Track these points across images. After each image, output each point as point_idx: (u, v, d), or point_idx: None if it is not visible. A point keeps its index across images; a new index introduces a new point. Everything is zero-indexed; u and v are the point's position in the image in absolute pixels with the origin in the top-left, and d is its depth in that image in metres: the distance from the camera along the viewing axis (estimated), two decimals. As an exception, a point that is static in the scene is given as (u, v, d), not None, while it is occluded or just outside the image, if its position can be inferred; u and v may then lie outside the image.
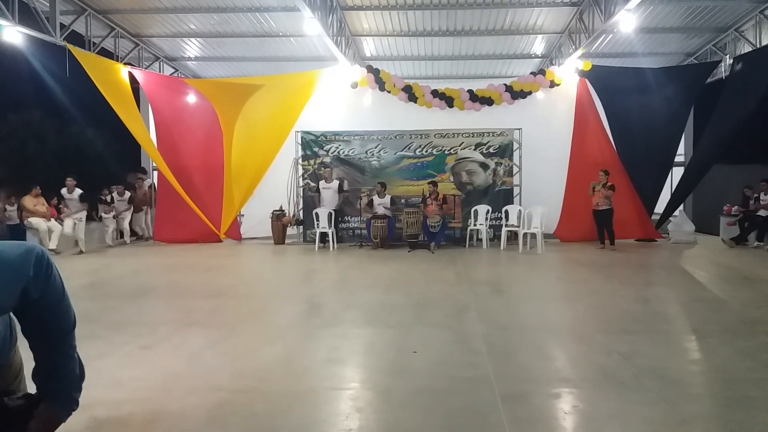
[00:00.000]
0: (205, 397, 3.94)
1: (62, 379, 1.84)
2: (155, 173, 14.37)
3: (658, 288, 8.28)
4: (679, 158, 14.30)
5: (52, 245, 11.70)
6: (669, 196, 13.65)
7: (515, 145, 13.23)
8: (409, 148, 13.24)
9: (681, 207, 13.77)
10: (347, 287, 8.25)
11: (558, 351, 5.14)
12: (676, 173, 14.18)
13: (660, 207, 13.55)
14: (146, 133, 13.30)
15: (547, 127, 13.35)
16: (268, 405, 3.83)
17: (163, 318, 6.32)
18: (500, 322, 6.02)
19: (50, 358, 1.82)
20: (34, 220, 11.67)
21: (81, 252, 11.99)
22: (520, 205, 12.81)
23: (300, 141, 13.41)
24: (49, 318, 1.81)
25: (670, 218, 13.61)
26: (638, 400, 3.87)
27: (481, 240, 12.52)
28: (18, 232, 12.10)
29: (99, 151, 16.91)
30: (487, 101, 13.55)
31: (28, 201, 11.87)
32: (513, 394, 4.00)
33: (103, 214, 14.73)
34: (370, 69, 13.73)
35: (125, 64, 13.18)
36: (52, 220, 12.09)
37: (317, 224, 12.35)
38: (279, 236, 13.18)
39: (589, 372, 4.52)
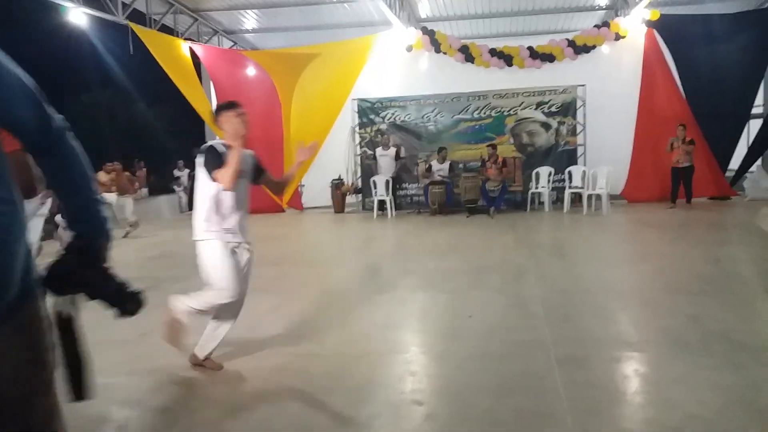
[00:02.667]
0: (264, 360, 4.06)
1: (94, 214, 1.64)
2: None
3: (731, 248, 7.87)
4: (756, 110, 13.42)
5: (132, 218, 12.20)
6: (746, 151, 12.88)
7: (579, 103, 12.76)
8: (466, 111, 12.99)
9: (759, 162, 12.97)
10: (404, 253, 8.27)
11: (621, 314, 4.99)
12: (754, 126, 13.31)
13: (736, 162, 12.82)
14: (209, 106, 13.60)
15: (612, 82, 12.78)
16: (325, 367, 3.91)
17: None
18: (560, 286, 5.89)
19: (81, 199, 1.64)
20: (108, 196, 12.20)
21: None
22: (585, 165, 12.39)
23: (356, 109, 13.40)
24: (74, 158, 1.63)
25: (746, 174, 12.85)
26: (705, 364, 3.71)
27: (543, 203, 12.24)
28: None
29: (165, 127, 17.49)
30: (549, 58, 13.08)
31: (102, 176, 12.41)
32: (570, 357, 3.91)
33: (175, 187, 15.43)
34: (425, 31, 13.48)
35: (185, 39, 13.46)
36: (125, 195, 12.60)
37: (375, 192, 12.37)
38: (339, 205, 13.32)
39: (653, 335, 4.37)
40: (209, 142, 3.87)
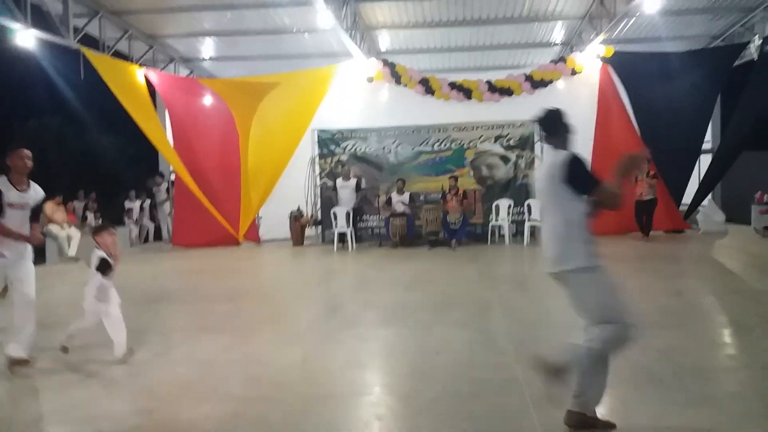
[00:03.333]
0: (217, 406, 3.73)
1: None
2: (173, 176, 14.28)
3: (691, 280, 7.92)
4: (706, 145, 13.83)
5: (71, 252, 11.64)
6: (697, 185, 13.19)
7: (536, 137, 12.86)
8: (426, 143, 12.96)
9: (710, 196, 13.30)
10: (366, 287, 8.02)
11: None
12: (704, 161, 13.70)
13: (688, 197, 13.10)
14: (163, 135, 13.20)
15: (569, 116, 12.92)
16: (284, 413, 3.61)
17: (178, 324, 6.16)
18: (527, 320, 5.74)
19: None
20: (54, 228, 11.62)
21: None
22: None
23: (317, 139, 13.22)
24: None
25: (699, 208, 13.15)
26: (681, 401, 3.58)
27: (503, 236, 12.19)
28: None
29: (117, 156, 16.89)
30: (507, 92, 13.21)
31: (48, 207, 11.82)
32: (546, 396, 3.73)
33: (126, 219, 14.86)
34: (385, 62, 13.48)
35: (140, 65, 13.10)
36: (72, 226, 12.04)
37: (335, 224, 12.12)
38: (298, 237, 12.99)
39: (625, 371, 4.22)
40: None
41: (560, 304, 6.40)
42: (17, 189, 4.55)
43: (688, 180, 13.03)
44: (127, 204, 14.95)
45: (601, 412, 3.29)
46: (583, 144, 12.39)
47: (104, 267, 4.64)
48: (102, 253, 4.66)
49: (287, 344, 5.14)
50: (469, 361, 4.52)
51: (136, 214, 14.95)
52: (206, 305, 7.04)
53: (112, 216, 15.12)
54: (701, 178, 13.33)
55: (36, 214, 4.76)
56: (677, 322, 5.50)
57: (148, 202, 14.95)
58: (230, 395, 3.93)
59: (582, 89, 13.26)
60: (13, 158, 4.54)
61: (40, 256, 11.73)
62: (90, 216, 14.54)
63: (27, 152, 4.59)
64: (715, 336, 5.27)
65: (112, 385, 4.18)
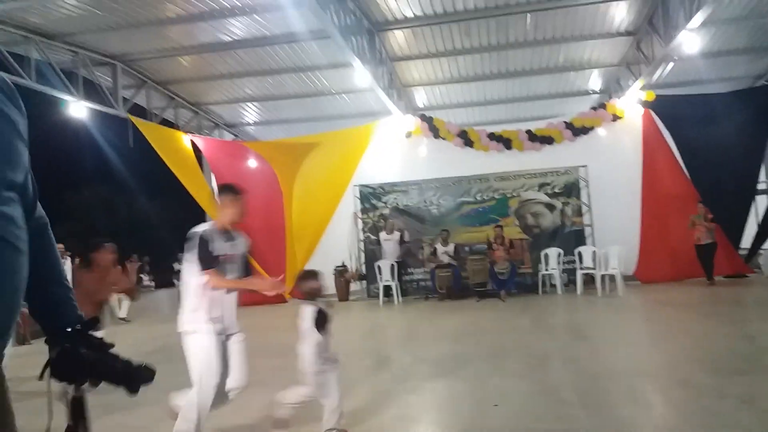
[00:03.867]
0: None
1: (75, 303, 1.60)
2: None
3: (762, 324, 7.42)
4: (762, 186, 13.32)
5: (122, 314, 11.80)
6: (756, 228, 12.62)
7: (582, 183, 12.64)
8: (468, 194, 12.86)
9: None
10: (414, 340, 7.79)
11: (659, 397, 4.50)
12: (761, 203, 13.14)
13: (747, 240, 12.52)
14: (211, 196, 13.46)
15: (613, 162, 12.71)
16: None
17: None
18: (589, 370, 5.41)
19: (64, 288, 1.60)
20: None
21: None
22: (594, 246, 12.08)
23: (358, 195, 13.28)
24: (55, 249, 1.61)
25: (761, 251, 12.53)
26: None
27: (554, 285, 11.80)
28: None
29: (166, 220, 17.32)
30: (547, 140, 13.11)
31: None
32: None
33: (175, 281, 15.13)
34: (423, 117, 13.61)
35: (186, 132, 13.55)
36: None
37: (380, 278, 11.98)
38: (343, 292, 12.88)
39: (704, 420, 3.88)
40: (197, 229, 3.63)
41: (621, 353, 6.08)
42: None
43: (745, 222, 12.47)
44: (177, 266, 15.20)
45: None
46: (630, 188, 12.24)
47: (321, 321, 3.97)
48: (314, 306, 4.00)
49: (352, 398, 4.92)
50: (530, 412, 4.24)
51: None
52: (260, 360, 6.90)
53: (165, 278, 15.41)
54: (760, 220, 12.75)
55: None
56: (754, 367, 5.10)
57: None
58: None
59: (624, 135, 13.07)
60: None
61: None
62: (145, 278, 14.94)
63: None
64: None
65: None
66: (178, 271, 15.14)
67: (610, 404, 4.32)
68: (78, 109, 10.42)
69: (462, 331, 8.09)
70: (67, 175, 18.85)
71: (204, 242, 3.55)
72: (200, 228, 3.66)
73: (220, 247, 3.64)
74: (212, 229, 3.69)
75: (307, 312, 3.93)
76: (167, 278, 15.26)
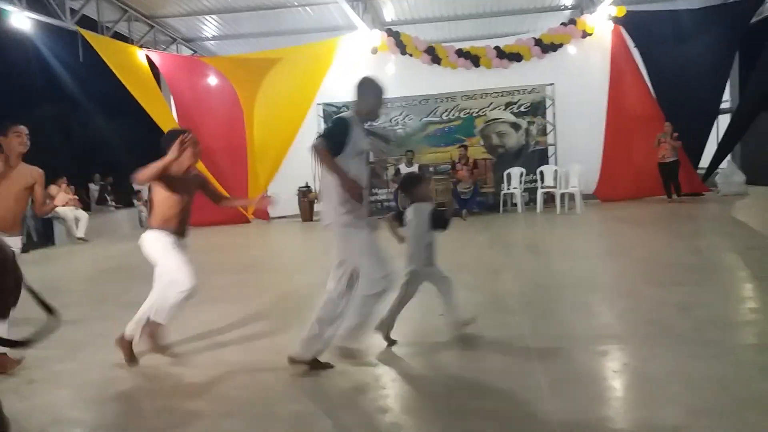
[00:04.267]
0: (223, 372, 3.58)
1: None
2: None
3: (711, 238, 7.62)
4: (725, 105, 13.36)
5: (80, 233, 11.61)
6: (715, 147, 12.76)
7: (548, 102, 12.53)
8: (435, 113, 12.67)
9: (729, 157, 12.86)
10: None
11: (603, 307, 4.62)
12: (723, 122, 13.23)
13: (706, 159, 12.69)
14: (170, 115, 13.02)
15: (581, 81, 12.55)
16: (277, 379, 3.43)
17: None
18: (537, 281, 5.51)
19: None
20: (61, 209, 11.56)
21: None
22: (556, 165, 12.12)
23: (322, 114, 12.98)
24: None
25: (718, 170, 12.73)
26: (700, 354, 3.34)
27: (515, 205, 11.91)
28: (46, 221, 12.05)
29: (122, 139, 16.77)
30: (516, 57, 12.82)
31: (54, 190, 11.78)
32: (551, 352, 3.52)
33: (135, 201, 14.92)
34: (390, 32, 13.15)
35: (141, 47, 12.92)
36: (79, 209, 12.00)
37: (344, 197, 11.91)
38: (306, 213, 12.83)
39: (640, 327, 4.01)
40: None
41: (571, 266, 6.21)
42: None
43: (706, 141, 12.61)
44: (136, 186, 14.89)
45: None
46: (595, 108, 12.14)
47: (443, 220, 3.99)
48: (429, 205, 4.01)
49: (292, 316, 4.95)
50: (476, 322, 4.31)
51: (145, 194, 14.92)
52: (212, 278, 6.89)
53: (126, 199, 15.15)
54: (720, 139, 12.88)
55: None
56: (697, 278, 5.24)
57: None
58: (224, 360, 3.77)
59: (594, 52, 12.85)
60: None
61: (48, 238, 11.80)
62: (109, 198, 14.72)
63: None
64: (735, 291, 5.01)
65: (95, 355, 4.03)
66: (138, 191, 14.88)
67: (554, 313, 4.42)
68: (21, 20, 9.77)
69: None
70: (14, 93, 17.97)
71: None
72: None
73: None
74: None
75: (419, 212, 3.93)
76: (128, 199, 14.96)
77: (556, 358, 3.44)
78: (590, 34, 12.81)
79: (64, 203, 11.55)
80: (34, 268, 8.21)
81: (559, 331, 3.95)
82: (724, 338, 3.61)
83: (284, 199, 12.95)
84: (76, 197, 12.47)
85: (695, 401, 2.76)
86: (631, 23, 12.53)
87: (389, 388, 3.24)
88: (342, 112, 12.66)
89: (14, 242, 3.71)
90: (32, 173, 3.98)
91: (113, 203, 14.86)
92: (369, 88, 3.57)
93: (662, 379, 3.04)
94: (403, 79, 12.96)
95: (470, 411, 2.83)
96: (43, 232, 12.10)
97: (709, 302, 4.40)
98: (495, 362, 3.47)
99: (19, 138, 3.88)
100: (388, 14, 14.63)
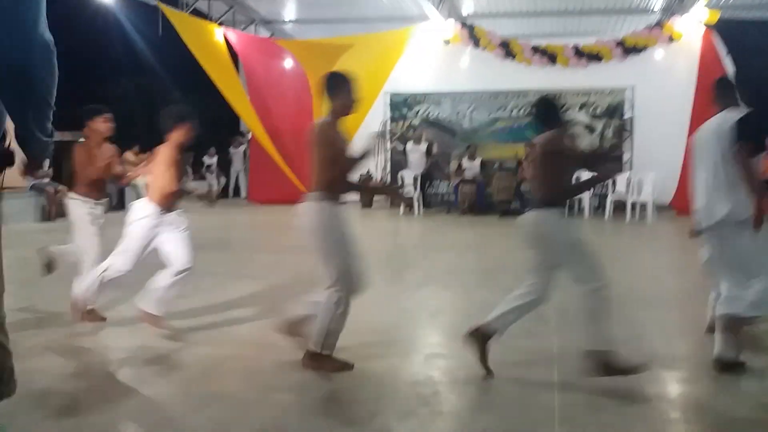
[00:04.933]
0: (213, 350, 3.53)
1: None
2: (249, 135, 14.44)
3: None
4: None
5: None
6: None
7: (626, 106, 11.88)
8: (504, 109, 12.29)
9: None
10: (416, 249, 7.67)
11: (652, 325, 4.26)
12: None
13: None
14: (242, 94, 13.24)
15: (664, 86, 11.82)
16: (272, 361, 3.33)
17: (217, 270, 6.03)
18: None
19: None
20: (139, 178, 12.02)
21: None
22: (630, 171, 11.48)
23: (389, 102, 12.85)
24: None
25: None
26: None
27: (582, 210, 11.38)
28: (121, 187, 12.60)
29: (200, 115, 17.16)
30: (595, 57, 12.24)
31: (129, 156, 12.26)
32: (573, 372, 3.24)
33: (207, 175, 15.45)
34: (464, 24, 12.84)
35: (219, 25, 13.19)
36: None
37: (403, 188, 11.76)
38: (367, 200, 12.77)
39: (696, 351, 3.66)
40: None
41: (631, 278, 5.79)
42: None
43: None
44: (206, 160, 15.31)
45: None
46: (677, 115, 11.38)
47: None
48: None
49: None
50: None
51: (215, 169, 15.35)
52: (254, 255, 6.95)
53: (196, 173, 15.67)
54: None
55: None
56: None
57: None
58: (229, 339, 3.71)
59: (680, 57, 12.09)
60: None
61: (121, 203, 12.33)
62: (190, 170, 15.32)
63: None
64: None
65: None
66: (209, 166, 15.33)
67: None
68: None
69: (468, 244, 7.91)
70: (97, 66, 18.78)
71: None
72: None
73: None
74: None
75: None
76: (198, 172, 15.43)
77: (575, 380, 3.16)
78: (677, 39, 12.02)
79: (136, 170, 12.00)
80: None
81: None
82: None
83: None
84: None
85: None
86: (724, 29, 11.65)
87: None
88: (409, 101, 12.62)
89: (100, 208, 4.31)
90: (110, 150, 4.39)
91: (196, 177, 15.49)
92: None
93: (682, 410, 2.73)
94: (474, 73, 12.69)
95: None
96: (118, 198, 12.69)
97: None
98: (509, 386, 3.22)
99: (105, 124, 4.25)
100: (466, 7, 14.27)
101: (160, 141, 3.90)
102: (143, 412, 2.72)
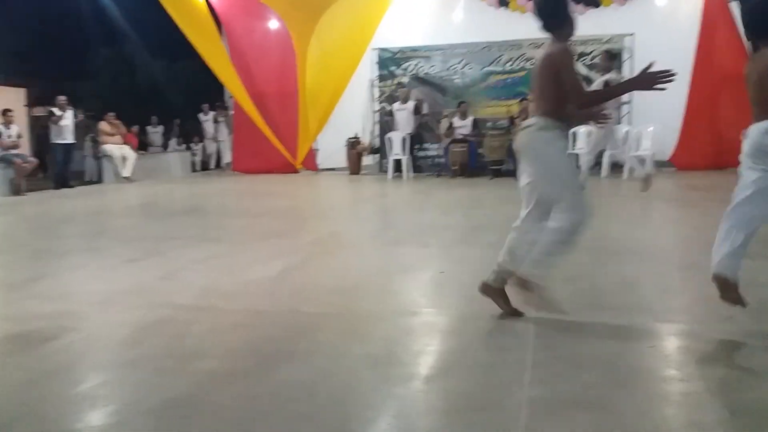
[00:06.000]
0: (145, 314, 3.09)
1: None
2: (232, 101, 13.86)
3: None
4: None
5: (126, 173, 11.56)
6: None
7: (625, 55, 11.24)
8: (498, 63, 11.66)
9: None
10: (399, 209, 7.22)
11: (642, 276, 3.80)
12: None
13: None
14: (226, 59, 12.64)
15: (666, 32, 11.11)
16: (210, 327, 2.90)
17: (181, 234, 5.60)
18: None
19: None
20: (108, 147, 11.55)
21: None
22: (629, 125, 10.92)
23: (377, 59, 12.23)
24: None
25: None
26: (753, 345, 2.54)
27: (580, 167, 10.83)
28: (99, 159, 12.15)
29: (184, 82, 16.64)
30: (593, 3, 11.52)
31: (104, 126, 11.79)
32: (555, 325, 2.79)
33: (193, 146, 14.97)
34: (453, -27, 12.12)
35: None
36: (128, 147, 11.96)
37: (390, 151, 11.24)
38: (354, 165, 12.26)
39: (683, 303, 3.21)
40: None
41: (621, 230, 5.34)
42: None
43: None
44: (202, 117, 14.68)
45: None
46: (680, 65, 10.70)
47: None
48: None
49: (277, 257, 4.41)
50: (474, 281, 3.62)
51: (210, 129, 14.73)
52: (224, 219, 6.50)
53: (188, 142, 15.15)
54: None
55: None
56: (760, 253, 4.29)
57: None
58: (171, 304, 3.27)
59: (683, 4, 11.40)
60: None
61: (98, 177, 11.92)
62: (177, 140, 14.88)
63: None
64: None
65: (58, 287, 3.64)
66: (205, 122, 14.70)
67: (576, 280, 3.65)
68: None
69: (456, 205, 7.44)
70: (74, 33, 17.99)
71: None
72: None
73: None
74: None
75: None
76: (196, 133, 14.86)
77: (554, 332, 2.72)
78: (680, -18, 11.31)
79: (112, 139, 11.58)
80: (66, 201, 8.20)
81: (577, 302, 3.20)
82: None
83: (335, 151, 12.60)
84: (127, 131, 12.49)
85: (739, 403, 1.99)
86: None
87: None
88: (398, 57, 12.02)
89: None
90: None
91: (180, 145, 15.01)
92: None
93: (694, 365, 2.28)
94: (466, 24, 12.02)
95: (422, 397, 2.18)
96: (96, 170, 12.27)
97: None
98: (476, 330, 2.78)
99: None
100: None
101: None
102: (48, 376, 2.30)
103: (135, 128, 12.88)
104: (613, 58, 8.60)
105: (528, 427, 1.85)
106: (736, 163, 8.99)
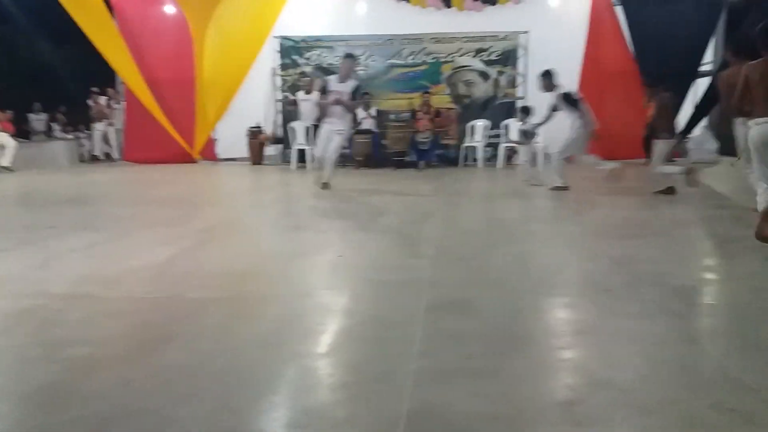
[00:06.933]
0: (12, 303, 2.84)
1: None
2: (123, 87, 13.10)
3: (673, 198, 7.00)
4: (707, 67, 12.64)
5: (5, 162, 10.67)
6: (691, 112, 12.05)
7: (520, 52, 11.69)
8: (400, 56, 11.75)
9: (704, 123, 12.18)
10: (298, 198, 7.11)
11: (531, 257, 3.94)
12: (702, 86, 12.49)
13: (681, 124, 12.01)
14: (118, 40, 11.92)
15: (558, 31, 11.63)
16: (80, 316, 2.70)
17: (60, 223, 5.21)
18: (464, 228, 4.82)
19: None
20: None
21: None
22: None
23: (279, 48, 11.99)
24: None
25: (689, 136, 12.03)
26: (630, 312, 2.68)
27: (477, 159, 11.17)
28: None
29: (72, 68, 15.52)
30: (490, 1, 11.89)
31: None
32: (445, 301, 2.82)
33: (81, 134, 14.00)
34: (355, -36, 12.10)
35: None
36: (6, 135, 11.03)
37: (294, 141, 11.07)
38: (256, 155, 11.97)
39: (565, 279, 3.35)
40: None
41: (513, 216, 5.54)
42: None
43: (681, 106, 11.89)
44: (91, 103, 13.62)
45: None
46: (571, 62, 11.27)
47: None
48: None
49: (163, 245, 4.20)
50: (373, 264, 3.62)
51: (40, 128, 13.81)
52: (108, 208, 6.13)
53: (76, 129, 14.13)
54: (696, 104, 12.16)
55: None
56: (645, 233, 4.59)
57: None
58: (43, 291, 3.02)
59: (574, 4, 11.98)
60: None
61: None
62: (56, 128, 13.79)
63: None
64: (686, 248, 4.36)
65: None
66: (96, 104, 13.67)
67: (469, 260, 3.73)
68: None
69: (355, 192, 7.43)
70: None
71: None
72: None
73: None
74: None
75: None
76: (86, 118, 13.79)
77: (445, 307, 2.75)
78: (571, -18, 11.90)
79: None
80: None
81: (465, 279, 3.26)
82: (661, 297, 2.94)
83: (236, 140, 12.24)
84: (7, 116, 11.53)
85: (606, 369, 2.09)
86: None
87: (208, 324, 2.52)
88: (300, 47, 11.83)
89: None
90: None
91: (67, 133, 13.97)
92: None
93: (572, 336, 2.37)
94: (368, 17, 12.04)
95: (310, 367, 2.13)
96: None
97: (651, 258, 3.73)
98: (380, 310, 2.77)
99: None
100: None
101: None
102: None
103: (9, 113, 11.81)
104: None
105: (414, 396, 1.85)
106: (624, 155, 9.55)
